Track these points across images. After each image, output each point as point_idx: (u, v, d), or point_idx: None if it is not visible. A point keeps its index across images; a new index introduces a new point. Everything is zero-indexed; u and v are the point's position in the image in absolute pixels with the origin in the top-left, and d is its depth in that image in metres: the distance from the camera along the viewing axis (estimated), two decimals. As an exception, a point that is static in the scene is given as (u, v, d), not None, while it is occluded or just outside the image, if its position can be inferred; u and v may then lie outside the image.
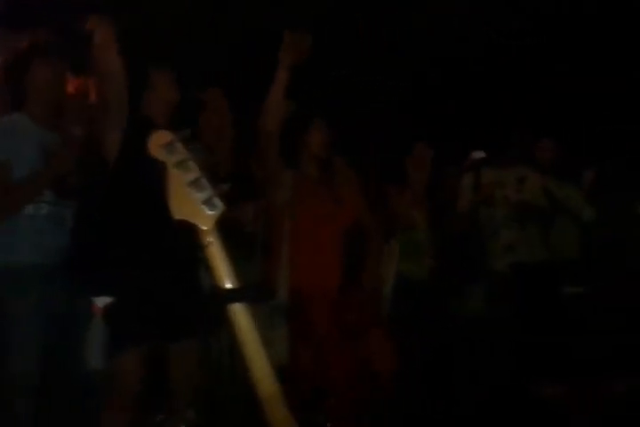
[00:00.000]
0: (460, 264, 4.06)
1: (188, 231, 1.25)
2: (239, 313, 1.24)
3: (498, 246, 4.16)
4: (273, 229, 3.05)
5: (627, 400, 3.34)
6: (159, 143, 1.25)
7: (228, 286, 1.24)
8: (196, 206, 1.24)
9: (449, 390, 3.74)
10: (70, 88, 2.74)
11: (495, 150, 4.30)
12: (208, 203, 1.24)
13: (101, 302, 2.52)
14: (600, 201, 4.83)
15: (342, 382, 2.88)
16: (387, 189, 3.95)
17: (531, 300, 3.83)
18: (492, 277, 4.11)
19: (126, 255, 2.42)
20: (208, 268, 1.26)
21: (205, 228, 1.24)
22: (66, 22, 2.66)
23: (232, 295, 1.24)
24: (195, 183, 1.24)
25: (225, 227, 1.25)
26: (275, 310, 2.92)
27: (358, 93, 4.74)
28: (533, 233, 4.14)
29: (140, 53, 2.62)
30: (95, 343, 2.49)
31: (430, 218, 3.98)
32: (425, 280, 3.88)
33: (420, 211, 3.96)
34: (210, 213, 1.24)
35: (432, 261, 3.91)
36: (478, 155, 4.26)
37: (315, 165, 3.09)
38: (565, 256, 4.19)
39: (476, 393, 3.68)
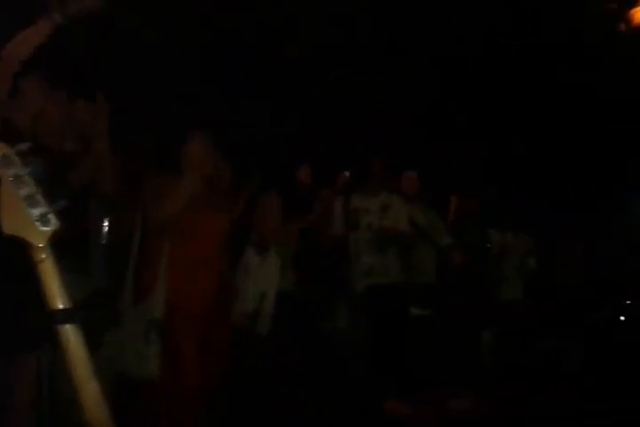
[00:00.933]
0: (325, 283, 4.19)
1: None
2: (70, 334, 1.20)
3: (360, 269, 4.32)
4: (150, 243, 2.98)
5: (467, 419, 3.52)
6: (-6, 155, 1.21)
7: (60, 306, 1.21)
8: (30, 222, 1.20)
9: (303, 405, 3.80)
10: None
11: (361, 177, 4.47)
12: (42, 219, 1.21)
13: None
14: (458, 228, 5.14)
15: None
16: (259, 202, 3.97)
17: (381, 320, 4.01)
18: (353, 297, 4.27)
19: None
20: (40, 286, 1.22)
21: (38, 244, 1.21)
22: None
23: (62, 316, 1.21)
24: (29, 199, 1.20)
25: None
26: (150, 325, 2.87)
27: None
28: (393, 258, 4.32)
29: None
30: None
31: (300, 236, 4.05)
32: (289, 294, 3.93)
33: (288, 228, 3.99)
34: (43, 229, 1.21)
35: (296, 276, 3.98)
36: (346, 176, 4.40)
37: (196, 178, 2.99)
38: (422, 280, 4.43)
39: (326, 409, 3.76)
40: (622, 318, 5.76)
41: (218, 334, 3.05)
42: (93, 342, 1.25)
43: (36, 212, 1.20)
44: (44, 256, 1.20)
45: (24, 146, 1.23)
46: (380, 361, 3.86)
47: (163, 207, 2.94)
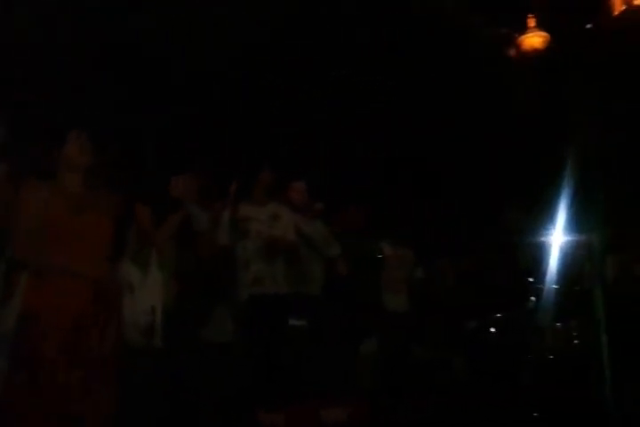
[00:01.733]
0: (208, 291, 4.16)
1: None
2: None
3: (248, 277, 4.31)
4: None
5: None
6: None
7: None
8: None
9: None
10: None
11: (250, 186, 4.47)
12: None
13: None
14: (346, 239, 5.23)
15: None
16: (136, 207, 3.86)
17: (261, 330, 4.02)
18: (238, 306, 4.26)
19: None
20: None
21: None
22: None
23: None
24: None
25: None
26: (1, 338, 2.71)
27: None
28: (281, 267, 4.34)
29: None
30: None
31: (181, 246, 4.00)
32: (173, 306, 3.87)
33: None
34: None
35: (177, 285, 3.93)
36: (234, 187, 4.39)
37: (73, 178, 2.90)
38: (309, 290, 4.47)
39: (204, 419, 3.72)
40: (493, 329, 6.01)
41: (98, 348, 2.89)
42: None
43: None
44: None
45: None
46: (257, 372, 3.86)
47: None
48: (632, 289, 6.07)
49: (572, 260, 6.39)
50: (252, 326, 4.05)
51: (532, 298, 5.94)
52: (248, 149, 4.94)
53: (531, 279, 6.03)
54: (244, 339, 4.01)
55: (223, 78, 5.07)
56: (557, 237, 6.47)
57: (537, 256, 6.29)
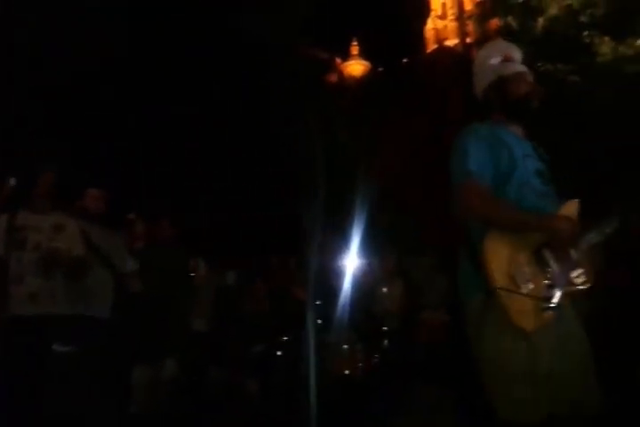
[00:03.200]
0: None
1: None
2: None
3: (20, 294, 3.77)
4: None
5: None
6: None
7: None
8: None
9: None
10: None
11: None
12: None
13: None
14: (141, 253, 4.87)
15: None
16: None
17: (18, 355, 3.53)
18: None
19: None
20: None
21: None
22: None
23: None
24: None
25: None
26: None
27: None
28: (60, 284, 3.85)
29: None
30: None
31: None
32: None
33: None
34: None
35: None
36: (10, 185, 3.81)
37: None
38: (92, 310, 4.00)
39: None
40: (279, 353, 5.99)
41: None
42: None
43: None
44: None
45: None
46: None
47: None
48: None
49: (361, 283, 6.56)
50: (7, 352, 3.52)
51: (319, 321, 6.01)
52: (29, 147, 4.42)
53: (318, 302, 6.10)
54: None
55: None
56: (349, 261, 6.63)
57: (326, 279, 6.38)
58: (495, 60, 2.90)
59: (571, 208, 2.71)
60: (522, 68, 2.89)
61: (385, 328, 5.96)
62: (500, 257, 2.52)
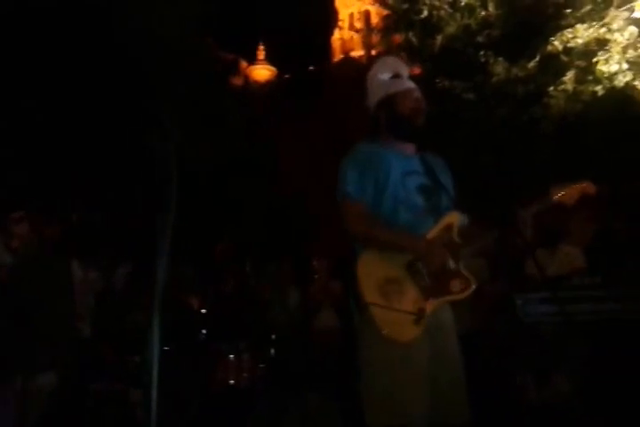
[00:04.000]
0: None
1: None
2: None
3: None
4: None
5: None
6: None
7: None
8: None
9: None
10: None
11: None
12: None
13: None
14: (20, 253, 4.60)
15: None
16: None
17: None
18: None
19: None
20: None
21: None
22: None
23: None
24: None
25: None
26: None
27: None
28: None
29: None
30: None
31: None
32: None
33: None
34: None
35: None
36: None
37: None
38: None
39: None
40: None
41: None
42: None
43: None
44: None
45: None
46: None
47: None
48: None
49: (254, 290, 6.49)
50: None
51: (204, 331, 5.92)
52: None
53: (204, 311, 6.01)
54: None
55: None
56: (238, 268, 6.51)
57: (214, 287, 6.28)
58: (385, 77, 2.92)
59: (450, 220, 2.79)
60: (410, 84, 2.92)
61: (274, 336, 5.91)
62: (373, 273, 2.61)
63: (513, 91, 11.32)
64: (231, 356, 5.63)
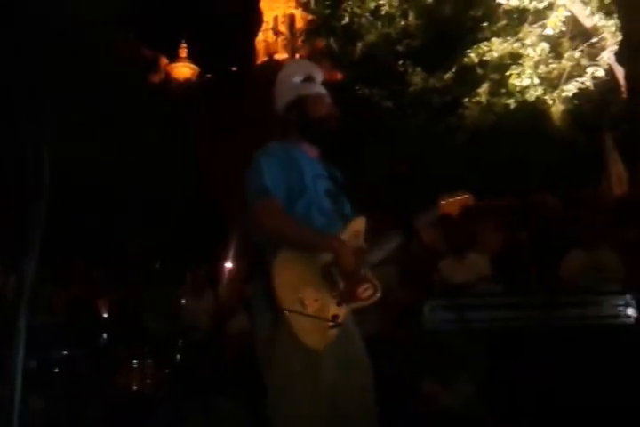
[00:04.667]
0: None
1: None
2: None
3: None
4: None
5: None
6: None
7: None
8: None
9: None
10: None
11: None
12: None
13: None
14: None
15: None
16: None
17: None
18: None
19: None
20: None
21: None
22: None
23: None
24: None
25: None
26: None
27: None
28: None
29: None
30: None
31: None
32: None
33: None
34: None
35: None
36: None
37: None
38: None
39: None
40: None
41: None
42: None
43: None
44: None
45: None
46: None
47: None
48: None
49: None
50: None
51: (105, 335, 5.73)
52: None
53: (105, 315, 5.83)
54: None
55: None
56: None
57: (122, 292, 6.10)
58: (297, 79, 2.87)
59: (357, 226, 2.77)
60: (322, 89, 2.89)
61: (181, 341, 5.76)
62: (288, 277, 2.53)
63: (430, 100, 11.58)
64: (135, 361, 5.44)
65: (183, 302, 6.49)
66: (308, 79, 2.86)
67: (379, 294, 2.66)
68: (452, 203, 2.89)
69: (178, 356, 5.64)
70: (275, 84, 2.90)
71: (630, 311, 4.94)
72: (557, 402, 4.47)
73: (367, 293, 2.65)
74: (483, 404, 4.84)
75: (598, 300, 5.00)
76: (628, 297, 4.97)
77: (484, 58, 10.15)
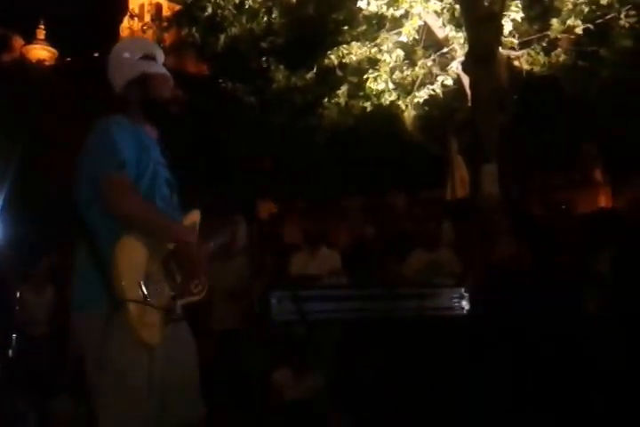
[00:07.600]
0: None
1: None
2: None
3: None
4: None
5: None
6: None
7: None
8: None
9: None
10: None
11: None
12: None
13: None
14: None
15: None
16: None
17: None
18: None
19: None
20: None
21: None
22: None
23: None
24: None
25: None
26: None
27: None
28: None
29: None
30: None
31: None
32: None
33: None
34: None
35: None
36: None
37: None
38: None
39: None
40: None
41: None
42: None
43: None
44: None
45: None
46: None
47: None
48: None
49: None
50: None
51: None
52: None
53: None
54: None
55: None
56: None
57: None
58: (135, 56, 2.76)
59: (194, 217, 2.76)
60: (166, 71, 2.81)
61: (15, 336, 5.48)
62: (132, 266, 2.37)
63: (292, 99, 11.71)
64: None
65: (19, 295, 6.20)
66: (148, 57, 2.76)
67: (206, 288, 2.64)
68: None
69: (10, 351, 5.37)
70: (109, 61, 2.75)
71: (464, 304, 5.35)
72: (398, 388, 4.73)
73: (199, 287, 2.63)
74: (331, 393, 5.02)
75: (435, 292, 5.37)
76: (462, 290, 5.38)
77: (344, 60, 10.41)
